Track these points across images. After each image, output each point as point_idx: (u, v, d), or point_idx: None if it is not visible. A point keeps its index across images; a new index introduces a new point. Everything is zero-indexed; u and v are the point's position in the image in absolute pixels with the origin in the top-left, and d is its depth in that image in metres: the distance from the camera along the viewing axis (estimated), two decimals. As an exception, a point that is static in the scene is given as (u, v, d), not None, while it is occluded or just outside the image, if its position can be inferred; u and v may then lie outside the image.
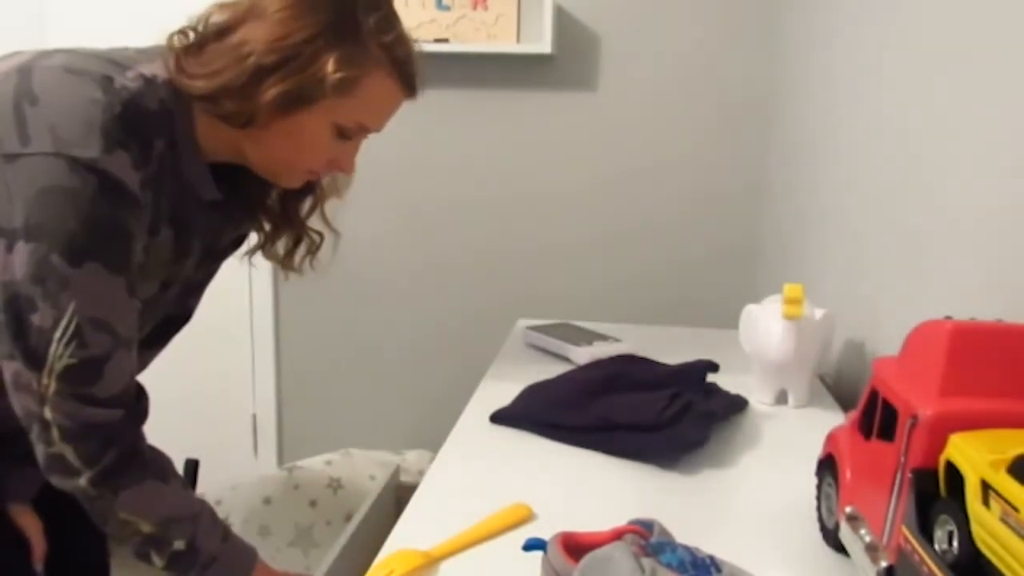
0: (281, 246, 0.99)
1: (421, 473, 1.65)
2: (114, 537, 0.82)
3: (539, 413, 0.95)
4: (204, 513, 0.85)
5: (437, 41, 1.92)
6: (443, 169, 2.08)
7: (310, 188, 0.96)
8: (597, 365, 1.11)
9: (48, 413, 0.74)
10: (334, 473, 1.80)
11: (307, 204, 0.98)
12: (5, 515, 0.97)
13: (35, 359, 0.73)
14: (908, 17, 1.05)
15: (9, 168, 0.71)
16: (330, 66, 0.78)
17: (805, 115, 1.58)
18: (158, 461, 0.84)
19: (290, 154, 0.85)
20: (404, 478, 1.76)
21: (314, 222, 1.00)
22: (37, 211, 0.70)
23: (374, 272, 2.14)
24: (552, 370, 1.11)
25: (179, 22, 0.82)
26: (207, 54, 0.79)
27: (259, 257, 1.02)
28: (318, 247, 1.01)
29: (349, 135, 0.85)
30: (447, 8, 1.94)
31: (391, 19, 0.84)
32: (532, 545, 0.58)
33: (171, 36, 0.80)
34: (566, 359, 1.25)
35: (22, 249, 0.71)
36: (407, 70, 0.86)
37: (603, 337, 1.30)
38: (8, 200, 0.71)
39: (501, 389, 1.06)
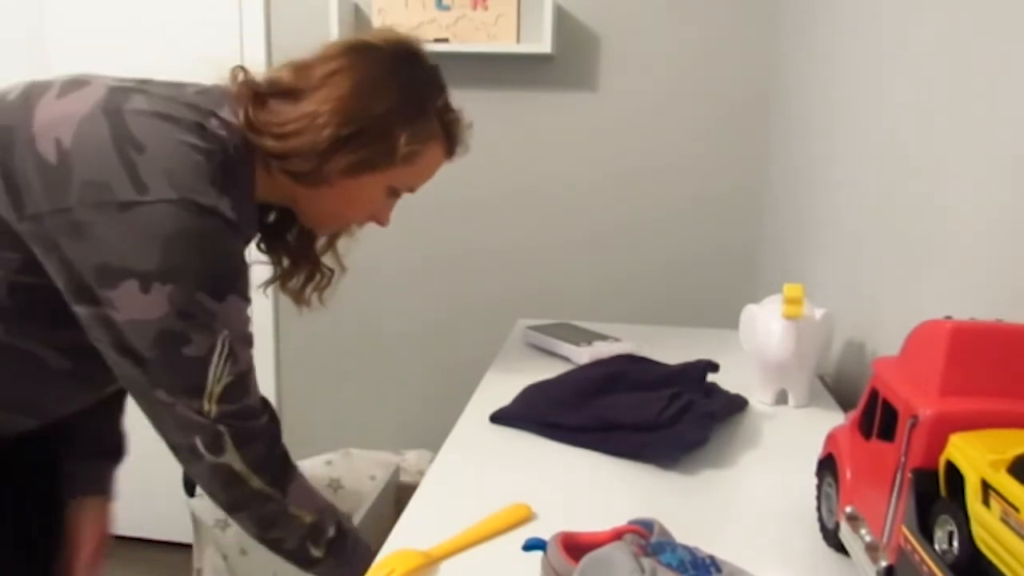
0: (297, 280, 1.06)
1: (421, 473, 1.65)
2: (266, 544, 0.87)
3: (539, 413, 0.95)
4: (330, 503, 0.92)
5: (437, 41, 1.92)
6: (443, 169, 2.07)
7: None
8: (597, 365, 1.11)
9: (219, 426, 0.79)
10: (334, 473, 1.80)
11: (323, 242, 1.05)
12: (6, 513, 0.98)
13: (193, 388, 0.78)
14: (906, 17, 1.05)
15: (126, 215, 0.73)
16: (403, 140, 0.86)
17: (805, 115, 1.58)
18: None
19: (343, 209, 0.93)
20: (404, 478, 1.76)
21: (326, 258, 1.06)
22: (172, 254, 0.74)
23: (373, 272, 2.14)
24: (552, 370, 1.11)
25: (234, 63, 0.87)
26: (273, 112, 0.84)
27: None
28: (329, 282, 1.07)
29: (398, 194, 0.95)
30: (447, 8, 1.94)
31: (449, 99, 0.93)
32: (532, 545, 0.58)
33: (239, 85, 0.85)
34: (566, 359, 1.25)
35: (159, 290, 0.74)
36: (455, 144, 0.97)
37: (603, 337, 1.30)
38: (129, 245, 0.73)
39: (501, 389, 1.06)
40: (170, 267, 0.74)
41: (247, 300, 0.82)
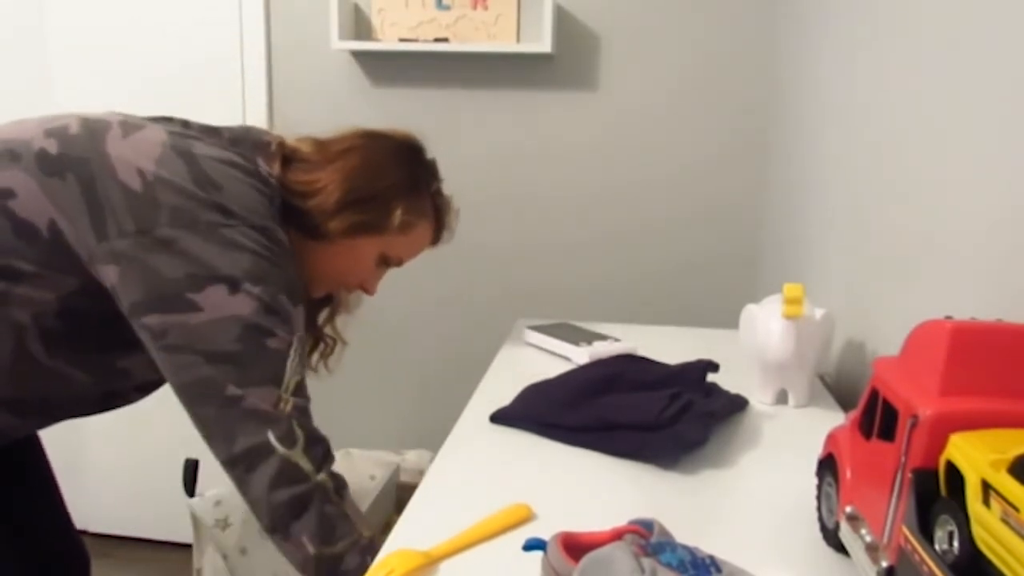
0: None
1: (421, 473, 1.65)
2: (325, 570, 0.84)
3: (539, 413, 0.95)
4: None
5: (437, 41, 1.92)
6: (442, 169, 2.07)
7: (327, 301, 1.14)
8: (597, 365, 1.11)
9: (292, 420, 0.82)
10: (334, 473, 1.80)
11: (324, 314, 1.15)
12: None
13: (275, 378, 0.82)
14: (904, 19, 1.05)
15: (215, 232, 0.81)
16: (400, 211, 0.99)
17: (805, 115, 1.58)
18: None
19: (338, 269, 1.03)
20: (404, 478, 1.76)
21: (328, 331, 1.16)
22: (259, 263, 0.82)
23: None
24: (552, 370, 1.11)
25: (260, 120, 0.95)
26: (293, 173, 0.96)
27: None
28: (331, 351, 1.16)
29: (387, 264, 1.06)
30: (447, 8, 1.94)
31: (442, 187, 1.09)
32: (532, 545, 0.58)
33: (276, 146, 0.96)
34: (566, 359, 1.25)
35: (251, 289, 0.81)
36: (443, 226, 1.10)
37: (603, 337, 1.30)
38: (217, 255, 0.80)
39: (501, 389, 1.06)
40: (257, 272, 0.82)
41: (304, 313, 0.90)
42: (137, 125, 0.87)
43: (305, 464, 0.82)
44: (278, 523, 0.81)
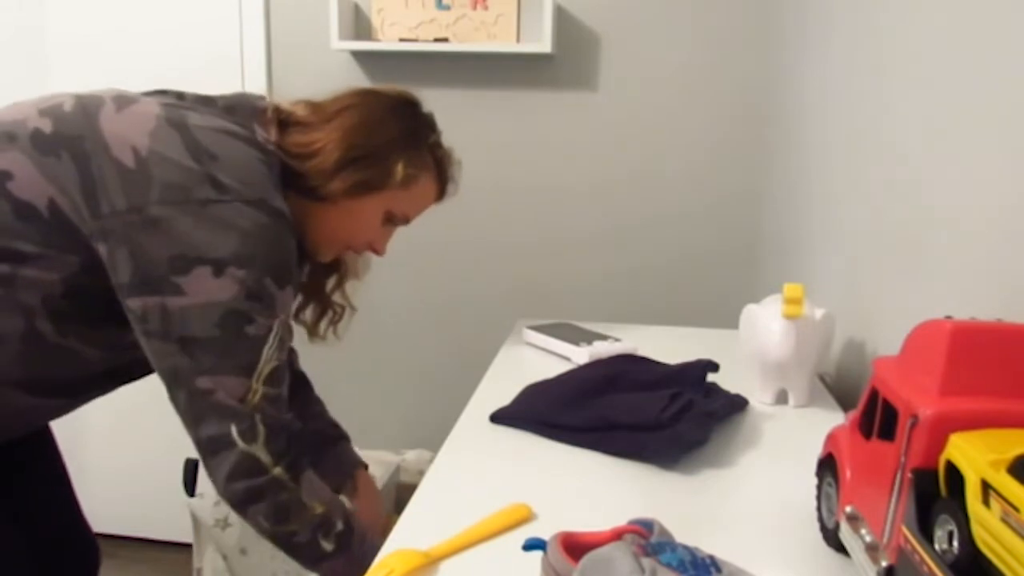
0: (308, 315, 1.16)
1: (421, 473, 1.65)
2: (278, 541, 0.90)
3: (539, 413, 0.95)
4: (337, 497, 0.97)
5: (437, 41, 1.92)
6: (443, 169, 2.08)
7: (336, 267, 1.13)
8: (597, 365, 1.11)
9: (256, 416, 0.84)
10: (334, 473, 1.80)
11: (332, 281, 1.15)
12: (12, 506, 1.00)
13: (249, 366, 0.84)
14: (904, 18, 1.05)
15: (205, 210, 0.81)
16: (400, 166, 0.99)
17: (805, 114, 1.58)
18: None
19: (344, 229, 1.02)
20: (404, 478, 1.76)
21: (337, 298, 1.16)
22: (247, 244, 0.82)
23: (372, 272, 2.14)
24: (552, 370, 1.11)
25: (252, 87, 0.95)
26: (291, 135, 0.96)
27: None
28: (340, 318, 1.17)
29: (394, 222, 1.05)
30: (447, 8, 1.94)
31: (441, 139, 1.07)
32: (532, 545, 0.58)
33: (271, 111, 0.96)
34: (566, 359, 1.25)
35: (234, 273, 0.82)
36: (445, 181, 1.09)
37: (603, 337, 1.30)
38: (205, 235, 0.81)
39: (501, 389, 1.06)
40: (244, 254, 0.82)
41: (295, 294, 0.90)
42: (131, 99, 0.88)
43: (264, 457, 0.85)
44: (236, 505, 0.87)
